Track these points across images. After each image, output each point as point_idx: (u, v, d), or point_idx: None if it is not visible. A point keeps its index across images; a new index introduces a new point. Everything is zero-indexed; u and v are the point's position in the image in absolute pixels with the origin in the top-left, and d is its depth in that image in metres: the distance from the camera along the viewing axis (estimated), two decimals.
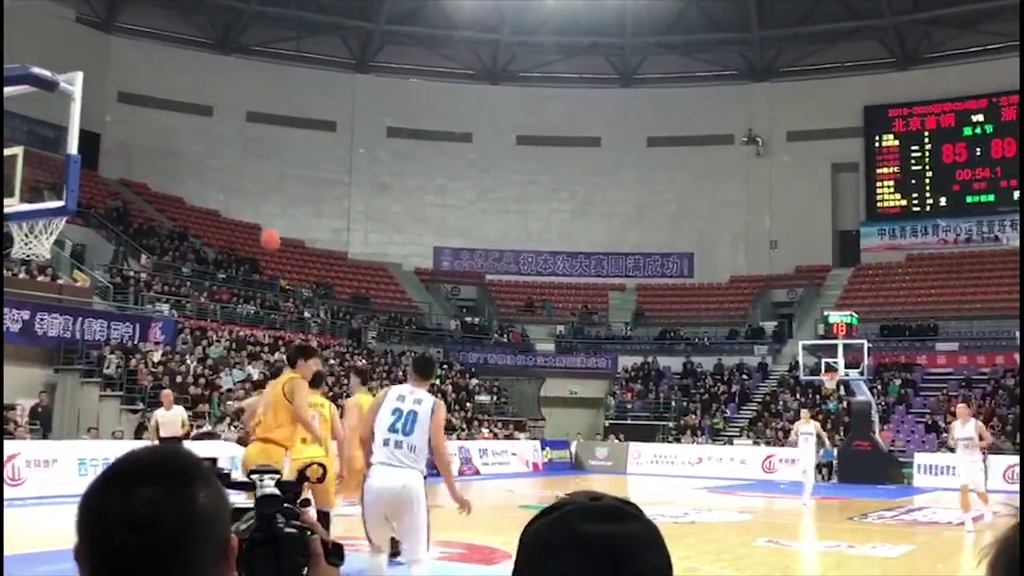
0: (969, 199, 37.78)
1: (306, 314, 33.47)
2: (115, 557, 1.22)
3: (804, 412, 21.14)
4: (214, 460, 1.80)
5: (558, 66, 41.96)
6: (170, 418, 15.63)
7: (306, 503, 1.85)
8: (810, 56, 40.57)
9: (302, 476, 1.97)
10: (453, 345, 36.65)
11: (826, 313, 31.95)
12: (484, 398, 33.18)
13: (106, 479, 1.27)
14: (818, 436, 19.29)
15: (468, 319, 39.20)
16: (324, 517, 8.46)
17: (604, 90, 41.95)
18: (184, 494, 1.24)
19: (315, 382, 9.07)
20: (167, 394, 16.78)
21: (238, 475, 1.88)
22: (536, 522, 1.21)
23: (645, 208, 40.79)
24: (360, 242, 40.62)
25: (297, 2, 38.07)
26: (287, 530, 1.71)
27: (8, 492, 16.39)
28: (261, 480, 1.85)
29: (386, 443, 6.31)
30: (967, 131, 38.07)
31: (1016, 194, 35.69)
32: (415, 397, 6.46)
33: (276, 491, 1.81)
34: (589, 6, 38.19)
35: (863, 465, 25.58)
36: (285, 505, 1.81)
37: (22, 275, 23.37)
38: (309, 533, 1.79)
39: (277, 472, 1.89)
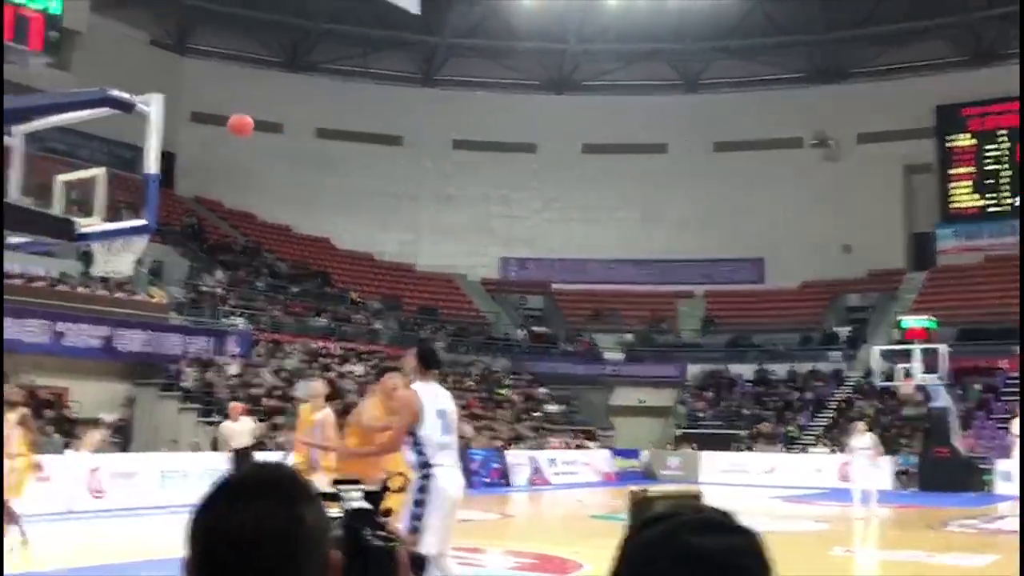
0: None
1: (376, 326, 33.83)
2: (222, 572, 1.24)
3: (859, 424, 19.79)
4: None
5: (621, 74, 41.85)
6: (239, 429, 15.90)
7: (388, 513, 1.89)
8: (879, 56, 39.86)
9: (385, 486, 2.02)
10: (521, 355, 36.71)
11: (900, 318, 31.27)
12: (553, 408, 33.15)
13: (216, 495, 1.29)
14: (875, 449, 18.36)
15: (535, 328, 39.24)
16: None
17: (668, 96, 41.71)
18: (290, 512, 1.26)
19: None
20: (234, 406, 17.09)
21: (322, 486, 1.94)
22: (640, 534, 1.18)
23: (712, 214, 40.42)
24: (427, 254, 40.95)
25: (362, 19, 38.59)
26: (375, 543, 1.75)
27: (92, 504, 16.84)
28: (347, 492, 1.90)
29: (443, 447, 6.25)
30: None
31: None
32: (443, 395, 6.53)
33: (365, 504, 1.85)
34: (651, 13, 38.05)
35: (943, 472, 24.98)
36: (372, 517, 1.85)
37: (101, 292, 24.03)
38: (395, 544, 1.83)
39: (359, 482, 1.94)
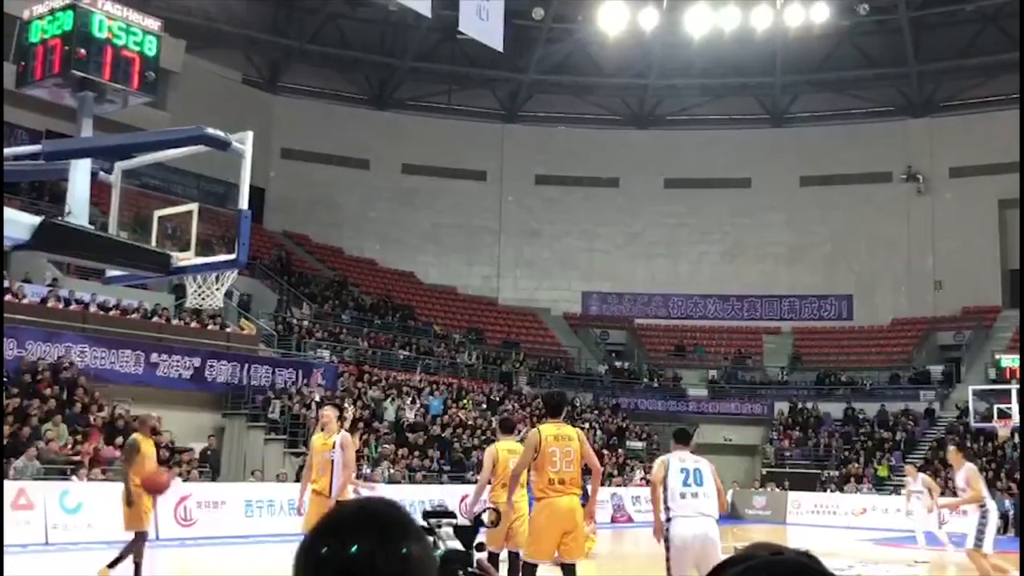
0: None
1: (458, 359, 34.00)
2: None
3: (909, 467, 19.12)
4: None
5: (706, 108, 41.63)
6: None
7: (481, 547, 1.89)
8: (971, 89, 38.93)
9: (478, 520, 2.02)
10: (602, 390, 36.48)
11: (997, 357, 30.25)
12: (636, 444, 32.81)
13: (323, 530, 1.31)
14: (929, 491, 17.63)
15: (618, 363, 38.98)
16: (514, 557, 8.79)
17: (753, 130, 41.31)
18: (398, 546, 1.28)
19: (507, 428, 10.32)
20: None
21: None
22: (722, 574, 1.20)
23: (799, 249, 39.77)
24: (510, 288, 41.11)
25: (448, 57, 39.18)
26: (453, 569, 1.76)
27: (179, 532, 17.18)
28: (439, 525, 1.90)
29: (683, 496, 7.72)
30: None
31: None
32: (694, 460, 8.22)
33: (459, 545, 1.86)
34: (736, 47, 37.80)
35: None
36: (458, 548, 1.85)
37: (193, 324, 24.65)
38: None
39: (453, 515, 1.94)
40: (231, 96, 35.03)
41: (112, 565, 10.73)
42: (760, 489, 30.81)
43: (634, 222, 40.99)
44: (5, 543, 11.03)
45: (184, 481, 18.74)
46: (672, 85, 40.90)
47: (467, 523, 1.73)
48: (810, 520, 27.31)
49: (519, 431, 15.83)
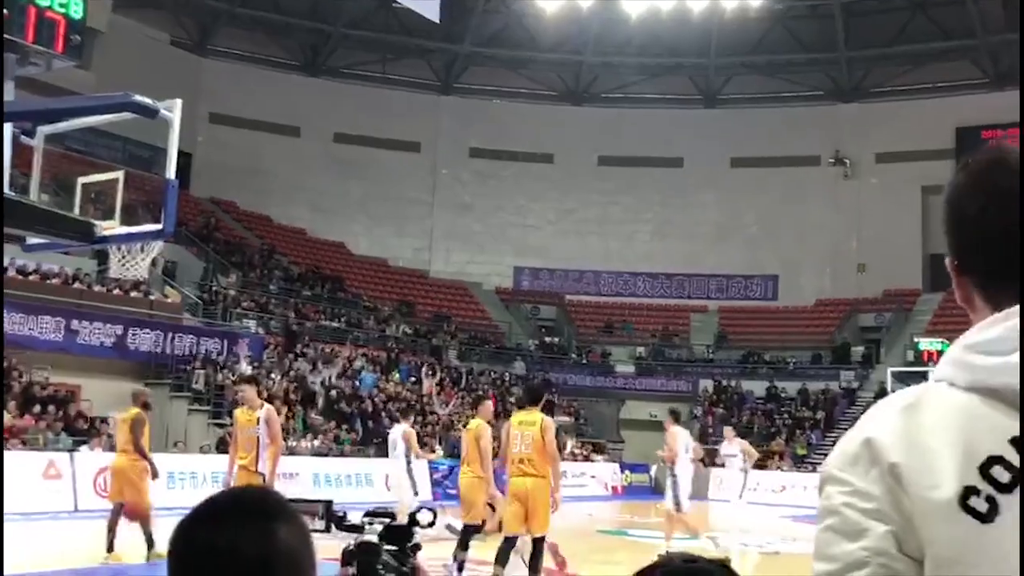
0: None
1: (387, 331, 33.84)
2: None
3: (727, 430, 18.18)
4: (329, 503, 1.80)
5: (641, 87, 41.83)
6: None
7: (417, 548, 1.84)
8: (900, 76, 39.74)
9: (412, 521, 1.97)
10: (532, 365, 36.66)
11: (916, 339, 31.10)
12: (564, 418, 33.04)
13: (194, 515, 1.35)
14: (745, 455, 16.84)
15: (547, 339, 39.18)
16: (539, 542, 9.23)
17: (687, 111, 41.66)
18: (265, 528, 1.31)
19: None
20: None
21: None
22: None
23: (728, 229, 40.30)
24: (441, 261, 40.97)
25: (383, 25, 38.69)
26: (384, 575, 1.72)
27: (100, 503, 16.83)
28: (371, 524, 1.85)
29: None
30: None
31: None
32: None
33: (373, 539, 1.82)
34: (672, 26, 38.02)
35: None
36: (389, 549, 1.81)
37: (116, 291, 24.08)
38: None
39: (391, 516, 1.89)
40: (159, 58, 34.12)
41: (110, 548, 10.89)
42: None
43: (567, 198, 41.10)
44: None
45: (104, 452, 18.36)
46: (608, 62, 40.99)
47: (401, 524, 1.71)
48: (732, 496, 27.78)
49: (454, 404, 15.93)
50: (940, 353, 23.84)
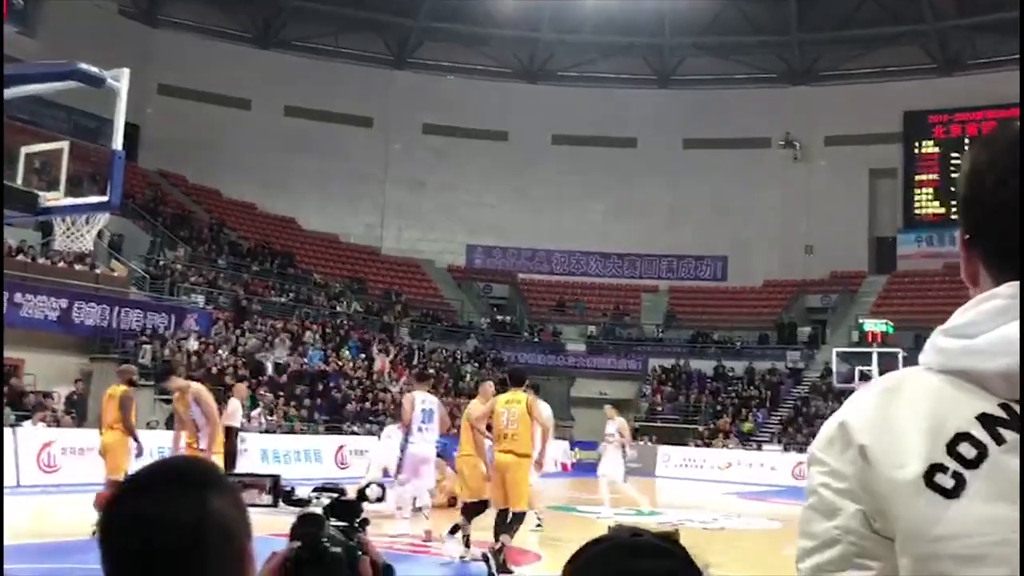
0: None
1: (338, 308, 33.66)
2: (127, 557, 1.27)
3: (608, 408, 17.23)
4: (276, 477, 1.80)
5: (596, 66, 41.87)
6: (231, 410, 16.24)
7: (366, 523, 1.85)
8: (850, 60, 40.20)
9: (362, 496, 1.98)
10: (484, 343, 36.72)
11: (860, 320, 31.63)
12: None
13: (125, 484, 1.35)
14: (620, 433, 16.27)
15: (499, 317, 39.25)
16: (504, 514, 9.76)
17: (641, 91, 41.80)
18: (194, 499, 1.29)
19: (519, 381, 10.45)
20: (239, 387, 17.57)
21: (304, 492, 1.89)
22: (579, 557, 1.27)
23: (680, 210, 40.58)
24: (394, 238, 40.77)
25: None
26: (333, 550, 1.72)
27: (42, 478, 16.61)
28: (318, 499, 1.86)
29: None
30: None
31: None
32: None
33: (318, 511, 1.82)
34: (627, 6, 38.06)
35: None
36: (336, 524, 1.81)
37: (61, 264, 23.66)
38: (360, 554, 1.79)
39: (340, 492, 1.90)
40: (106, 27, 33.40)
41: None
42: (632, 443, 31.55)
43: (521, 176, 41.07)
44: None
45: (48, 426, 18.11)
46: (563, 41, 40.94)
47: (351, 498, 1.71)
48: (678, 473, 28.20)
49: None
50: (884, 334, 24.30)
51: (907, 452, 1.18)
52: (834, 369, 29.17)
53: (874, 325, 28.58)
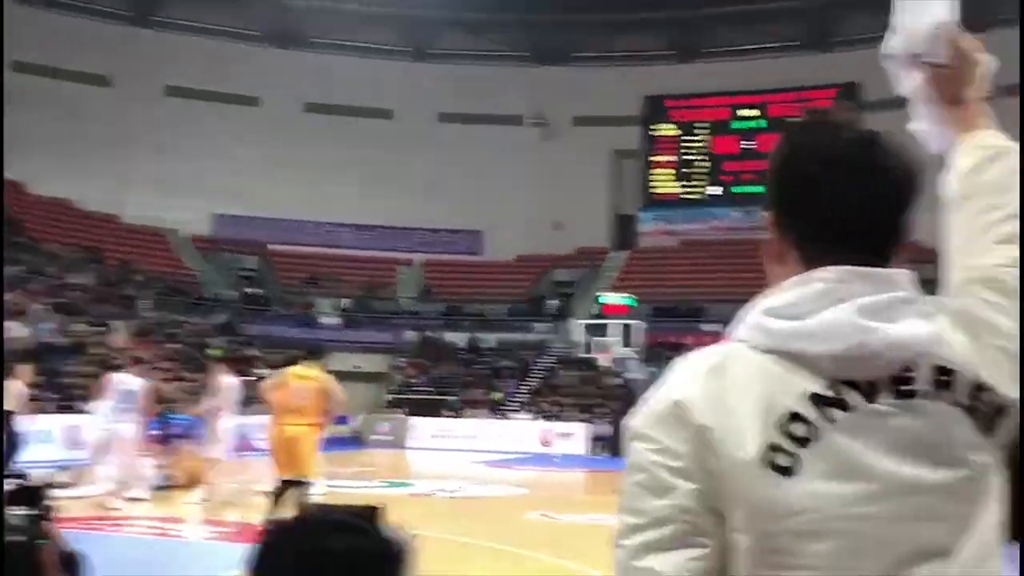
0: (738, 190, 39.96)
1: (71, 280, 31.50)
2: None
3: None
4: None
5: (351, 34, 41.26)
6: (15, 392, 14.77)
7: (48, 510, 1.75)
8: (598, 43, 41.82)
9: (48, 483, 1.86)
10: (233, 317, 35.52)
11: (599, 294, 33.14)
12: (264, 372, 32.32)
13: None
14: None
15: (249, 290, 38.09)
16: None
17: (397, 62, 41.62)
18: None
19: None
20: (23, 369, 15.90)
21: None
22: (270, 534, 1.29)
23: (435, 184, 40.78)
24: (134, 205, 38.48)
25: None
26: (10, 539, 1.62)
27: None
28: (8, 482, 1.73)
29: None
30: (738, 125, 40.40)
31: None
32: None
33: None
34: None
35: None
36: (18, 512, 1.70)
37: None
38: (41, 542, 1.68)
39: (21, 476, 1.78)
40: None
41: None
42: (385, 415, 31.71)
43: (272, 145, 39.81)
44: None
45: None
46: (320, 6, 40.02)
47: (37, 485, 1.60)
48: (431, 444, 28.55)
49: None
50: (625, 307, 25.56)
51: (745, 432, 1.20)
52: (583, 341, 30.44)
53: (612, 299, 30.04)
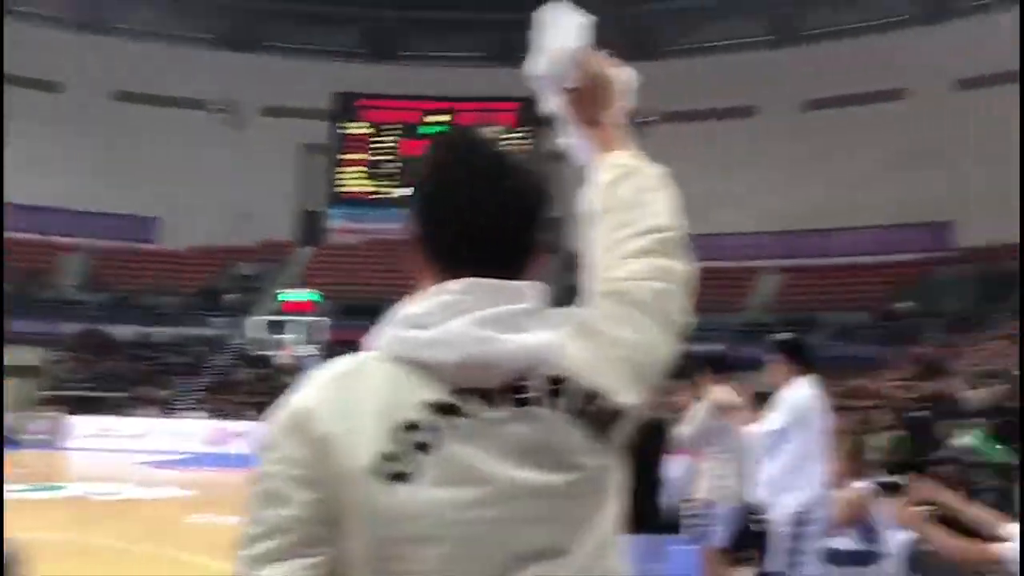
0: None
1: None
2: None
3: None
4: None
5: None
6: None
7: None
8: (290, 33, 41.18)
9: None
10: None
11: (282, 290, 32.56)
12: None
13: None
14: None
15: None
16: None
17: (69, 35, 38.56)
18: None
19: None
20: None
21: None
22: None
23: (109, 164, 38.16)
24: None
25: None
26: None
27: None
28: None
29: None
30: (425, 130, 41.11)
31: None
32: None
33: None
34: None
35: None
36: None
37: None
38: None
39: None
40: None
41: None
42: (39, 413, 29.25)
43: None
44: None
45: None
46: None
47: None
48: (91, 444, 26.68)
49: None
50: (309, 304, 25.25)
51: (362, 440, 1.19)
52: (266, 337, 29.65)
53: (294, 295, 29.59)
